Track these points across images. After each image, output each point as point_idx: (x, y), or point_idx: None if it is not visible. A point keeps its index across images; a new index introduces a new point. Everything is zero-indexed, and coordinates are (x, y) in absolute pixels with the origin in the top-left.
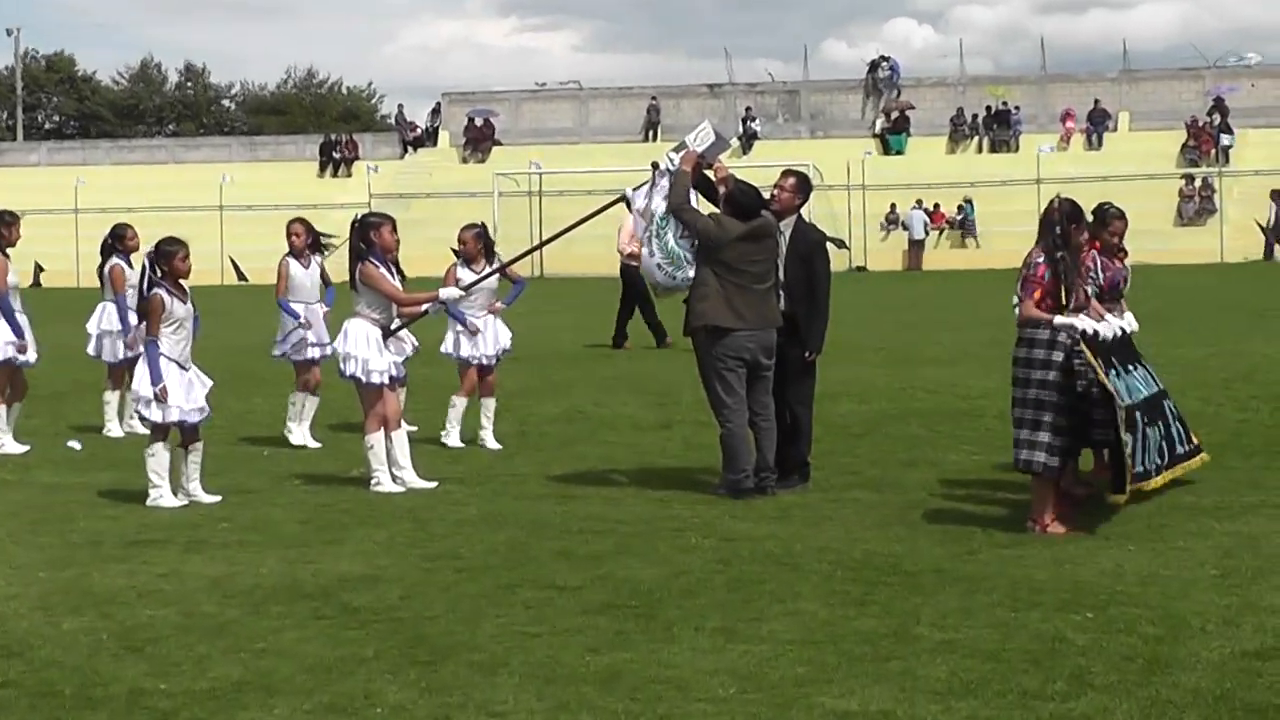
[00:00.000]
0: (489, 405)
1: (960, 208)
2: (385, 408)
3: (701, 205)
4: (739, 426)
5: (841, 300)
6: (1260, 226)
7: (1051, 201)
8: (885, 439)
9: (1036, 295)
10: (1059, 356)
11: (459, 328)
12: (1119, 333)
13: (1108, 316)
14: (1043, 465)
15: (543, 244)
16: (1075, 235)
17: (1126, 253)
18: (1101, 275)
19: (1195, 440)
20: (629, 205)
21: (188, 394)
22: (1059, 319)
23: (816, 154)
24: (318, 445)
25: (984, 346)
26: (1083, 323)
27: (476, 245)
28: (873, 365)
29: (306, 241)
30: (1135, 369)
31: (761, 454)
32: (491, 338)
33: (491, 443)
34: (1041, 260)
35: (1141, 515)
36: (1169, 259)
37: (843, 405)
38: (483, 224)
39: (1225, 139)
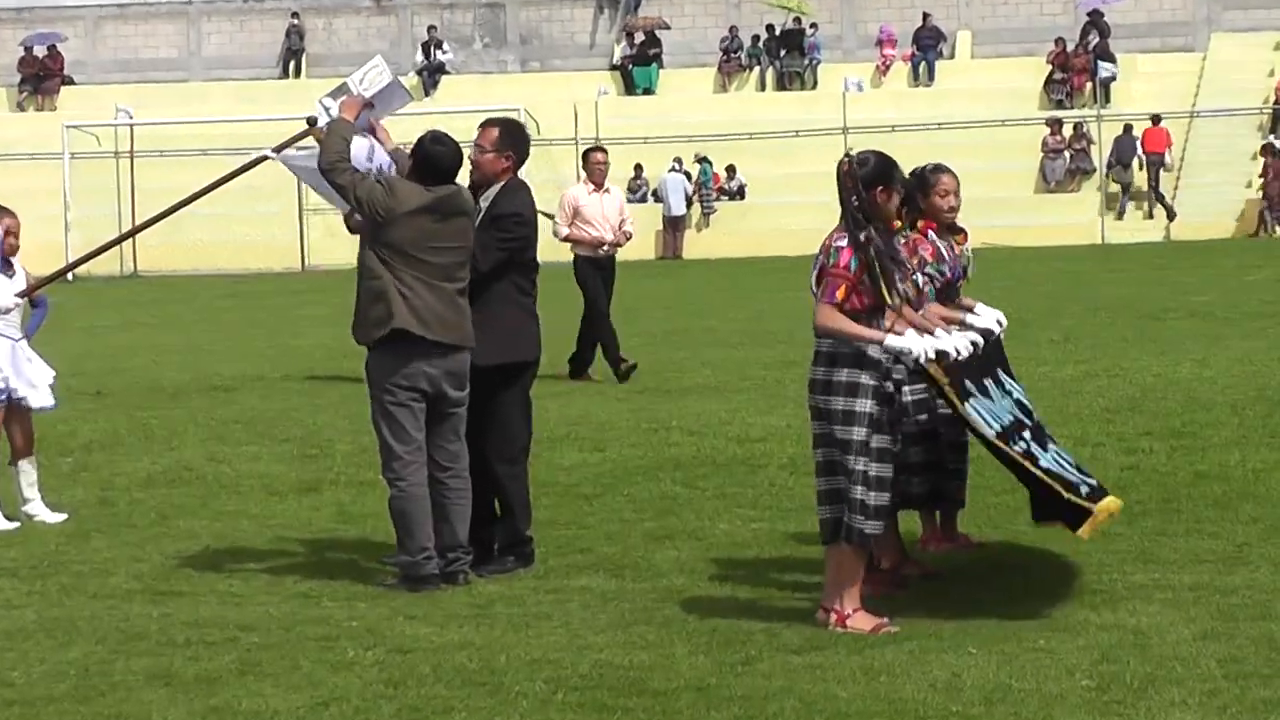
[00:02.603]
0: (30, 464)
1: (700, 163)
2: None
3: None
4: (416, 486)
5: (567, 304)
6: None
7: (841, 161)
8: (628, 502)
9: (840, 294)
10: (869, 379)
11: None
12: (972, 348)
13: (971, 316)
14: (835, 529)
15: (138, 229)
16: (883, 203)
17: (965, 233)
18: (943, 264)
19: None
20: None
21: None
22: (891, 340)
23: (530, 93)
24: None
25: (769, 368)
26: (927, 343)
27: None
28: (612, 397)
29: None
30: (1003, 398)
31: (450, 526)
32: (41, 373)
33: (47, 514)
34: (844, 244)
35: (986, 604)
36: (1030, 239)
37: (568, 455)
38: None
39: (1105, 69)
